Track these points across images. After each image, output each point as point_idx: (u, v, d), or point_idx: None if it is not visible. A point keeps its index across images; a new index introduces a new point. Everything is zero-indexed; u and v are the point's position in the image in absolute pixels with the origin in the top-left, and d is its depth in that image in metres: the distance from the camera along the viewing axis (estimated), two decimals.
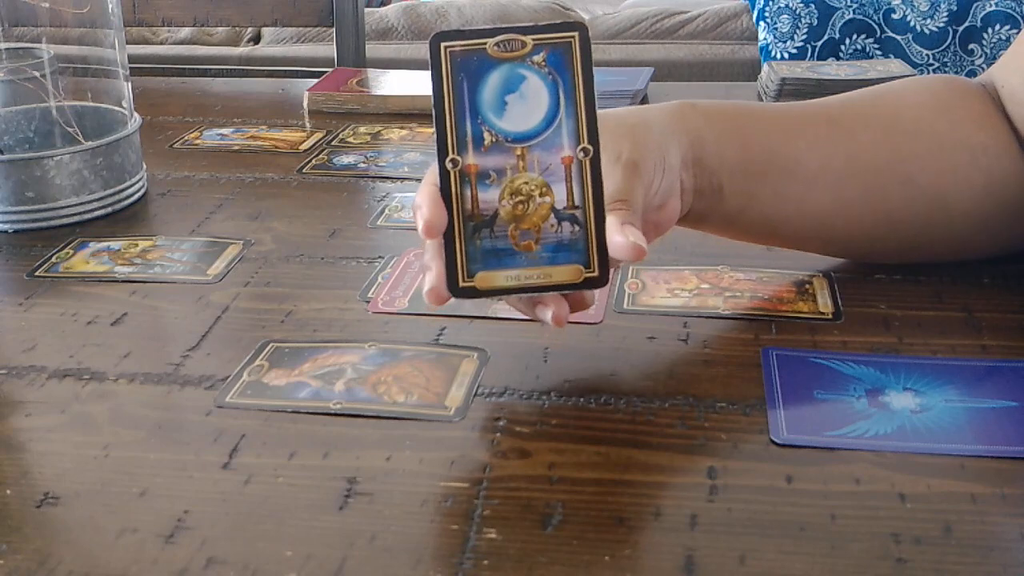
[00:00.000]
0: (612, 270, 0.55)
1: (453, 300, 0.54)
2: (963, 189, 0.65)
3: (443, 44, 0.53)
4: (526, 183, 0.53)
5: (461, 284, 0.54)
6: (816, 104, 0.68)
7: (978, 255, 0.69)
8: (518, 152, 0.53)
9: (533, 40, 0.53)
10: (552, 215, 0.54)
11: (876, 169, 0.65)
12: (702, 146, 0.62)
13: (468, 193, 0.53)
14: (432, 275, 0.54)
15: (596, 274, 0.54)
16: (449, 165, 0.53)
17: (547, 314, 0.54)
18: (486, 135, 0.53)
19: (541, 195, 0.53)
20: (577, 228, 0.54)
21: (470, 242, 0.53)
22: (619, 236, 0.52)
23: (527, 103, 0.53)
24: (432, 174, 0.54)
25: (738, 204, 0.64)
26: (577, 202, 0.53)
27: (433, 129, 0.53)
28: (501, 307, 0.64)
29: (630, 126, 0.60)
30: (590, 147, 0.53)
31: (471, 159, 0.53)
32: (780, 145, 0.65)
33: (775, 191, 0.64)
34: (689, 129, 0.62)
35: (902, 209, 0.65)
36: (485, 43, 0.53)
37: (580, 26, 0.53)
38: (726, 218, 0.65)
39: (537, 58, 0.53)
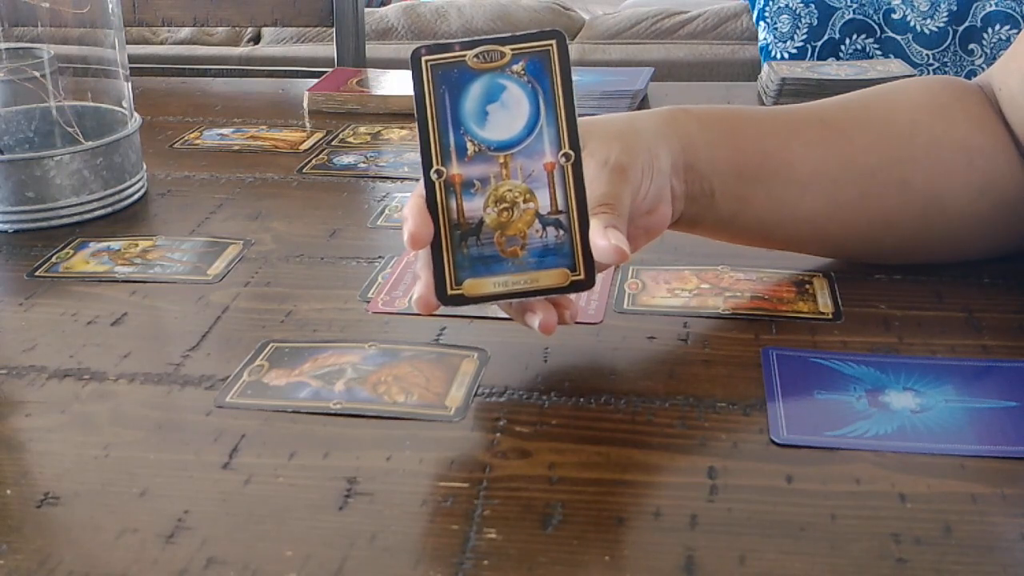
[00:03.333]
0: (601, 272, 0.56)
1: (443, 307, 0.54)
2: (959, 191, 0.65)
3: (424, 58, 0.53)
4: (510, 190, 0.54)
5: (449, 292, 0.54)
6: (810, 107, 0.68)
7: (975, 256, 0.69)
8: (501, 160, 0.54)
9: (511, 50, 0.54)
10: (537, 221, 0.54)
11: (871, 171, 0.65)
12: (694, 151, 0.62)
13: (453, 203, 0.54)
14: (421, 284, 0.55)
15: (582, 277, 0.54)
16: (434, 176, 0.54)
17: (535, 321, 0.55)
18: (469, 145, 0.54)
19: (525, 201, 0.54)
20: (562, 232, 0.54)
21: (457, 250, 0.54)
22: (601, 240, 0.53)
23: (508, 112, 0.54)
24: (420, 186, 0.55)
25: (731, 208, 0.64)
26: (561, 207, 0.54)
27: (417, 142, 0.54)
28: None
29: (619, 131, 0.60)
30: (571, 152, 0.54)
31: (455, 169, 0.54)
32: (773, 149, 0.65)
33: (768, 195, 0.64)
34: (680, 134, 0.62)
35: (898, 211, 0.65)
36: (465, 55, 0.53)
37: (557, 34, 0.54)
38: (719, 222, 0.65)
39: (516, 67, 0.54)
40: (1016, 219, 0.66)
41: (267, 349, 0.61)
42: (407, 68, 0.55)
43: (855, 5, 2.23)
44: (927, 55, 2.22)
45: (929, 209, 0.65)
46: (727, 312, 0.64)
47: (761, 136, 0.65)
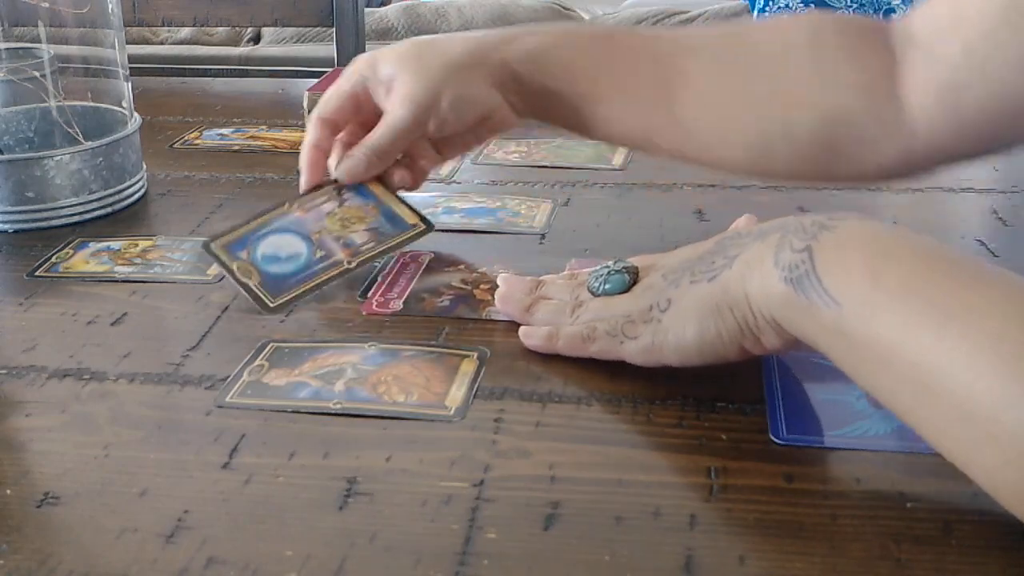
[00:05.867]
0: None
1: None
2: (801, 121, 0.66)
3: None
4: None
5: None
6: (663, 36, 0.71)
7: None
8: None
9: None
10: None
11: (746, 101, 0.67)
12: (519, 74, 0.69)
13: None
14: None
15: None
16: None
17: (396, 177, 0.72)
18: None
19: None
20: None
21: None
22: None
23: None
24: None
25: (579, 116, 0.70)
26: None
27: None
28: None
29: (432, 68, 0.68)
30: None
31: None
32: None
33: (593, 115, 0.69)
34: (492, 64, 0.69)
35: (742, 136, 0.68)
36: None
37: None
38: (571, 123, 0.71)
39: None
40: (861, 152, 0.66)
41: (267, 349, 0.61)
42: None
43: (854, 5, 2.23)
44: None
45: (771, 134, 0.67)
46: None
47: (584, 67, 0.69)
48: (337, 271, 0.68)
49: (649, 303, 0.56)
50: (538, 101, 0.70)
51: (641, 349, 0.55)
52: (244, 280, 0.66)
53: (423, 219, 0.72)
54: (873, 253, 0.47)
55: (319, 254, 0.68)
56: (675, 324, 0.54)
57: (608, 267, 0.60)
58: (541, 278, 0.65)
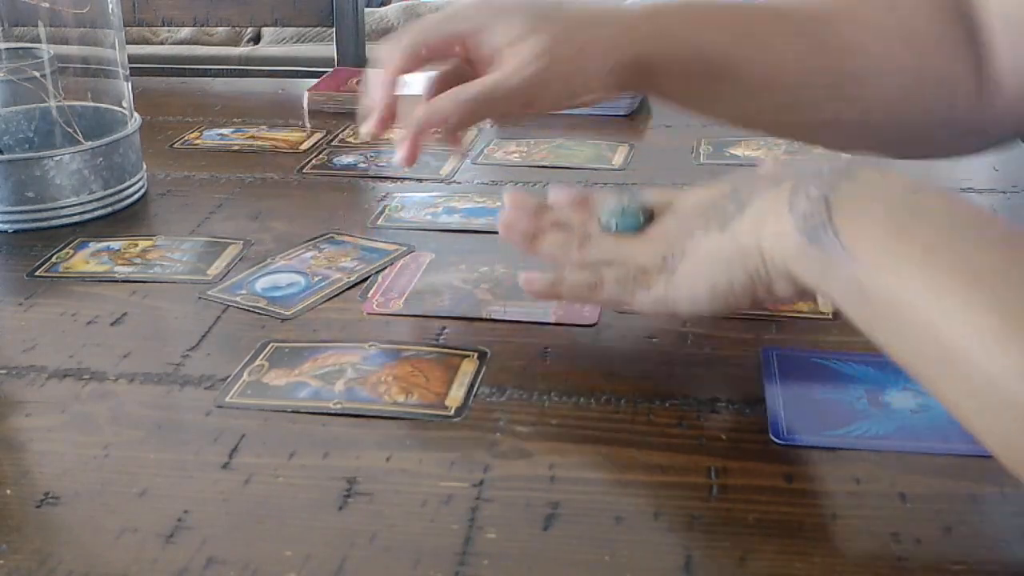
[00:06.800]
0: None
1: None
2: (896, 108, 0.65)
3: None
4: None
5: None
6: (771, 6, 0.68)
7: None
8: None
9: None
10: None
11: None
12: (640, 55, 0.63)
13: None
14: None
15: None
16: None
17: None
18: None
19: None
20: None
21: None
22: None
23: None
24: None
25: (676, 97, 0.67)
26: None
27: None
28: (500, 309, 0.64)
29: (565, 27, 0.62)
30: None
31: None
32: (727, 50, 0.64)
33: (713, 96, 0.66)
34: (623, 43, 0.62)
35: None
36: None
37: None
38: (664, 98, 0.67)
39: None
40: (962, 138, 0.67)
41: (267, 349, 0.61)
42: None
43: None
44: None
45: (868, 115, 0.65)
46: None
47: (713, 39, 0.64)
48: (339, 285, 0.69)
49: (663, 253, 0.54)
50: (655, 89, 0.66)
51: (653, 300, 0.54)
52: (252, 305, 0.66)
53: (400, 245, 0.75)
54: (896, 206, 0.45)
55: (316, 279, 0.69)
56: (688, 275, 0.53)
57: (623, 204, 0.57)
58: (549, 198, 0.62)
